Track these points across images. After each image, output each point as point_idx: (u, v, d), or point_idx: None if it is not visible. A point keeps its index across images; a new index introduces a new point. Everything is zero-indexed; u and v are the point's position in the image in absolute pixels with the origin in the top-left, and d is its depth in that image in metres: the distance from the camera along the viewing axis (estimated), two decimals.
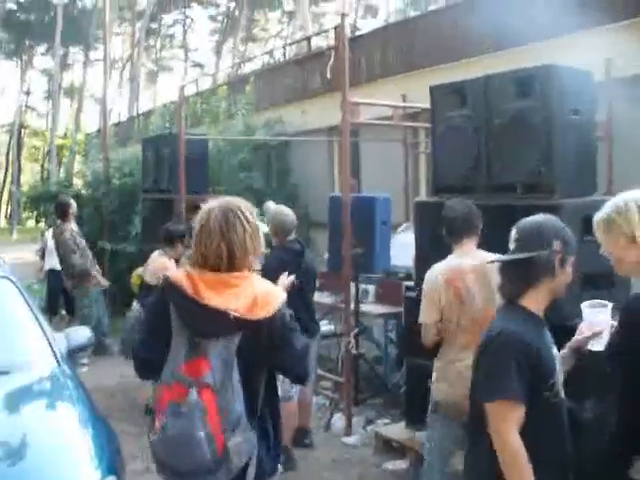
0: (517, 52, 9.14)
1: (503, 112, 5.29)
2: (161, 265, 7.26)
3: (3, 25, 50.85)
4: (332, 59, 6.68)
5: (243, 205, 3.27)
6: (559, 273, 2.97)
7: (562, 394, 2.94)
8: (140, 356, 3.32)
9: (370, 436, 6.80)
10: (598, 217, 2.92)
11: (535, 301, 2.98)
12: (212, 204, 3.26)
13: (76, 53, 55.86)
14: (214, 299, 3.08)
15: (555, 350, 3.01)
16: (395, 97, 10.61)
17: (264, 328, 3.07)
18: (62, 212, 10.27)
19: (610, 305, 3.13)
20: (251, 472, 3.11)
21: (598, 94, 5.60)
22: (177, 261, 7.66)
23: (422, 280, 4.81)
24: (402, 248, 7.61)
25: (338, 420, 7.16)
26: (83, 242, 10.21)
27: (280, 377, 5.06)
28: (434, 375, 4.74)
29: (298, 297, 5.33)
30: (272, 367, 3.26)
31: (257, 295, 3.11)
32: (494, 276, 4.02)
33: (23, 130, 55.60)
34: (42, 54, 56.05)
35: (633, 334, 2.75)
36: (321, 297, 8.32)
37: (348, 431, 6.92)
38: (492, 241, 4.22)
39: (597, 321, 3.09)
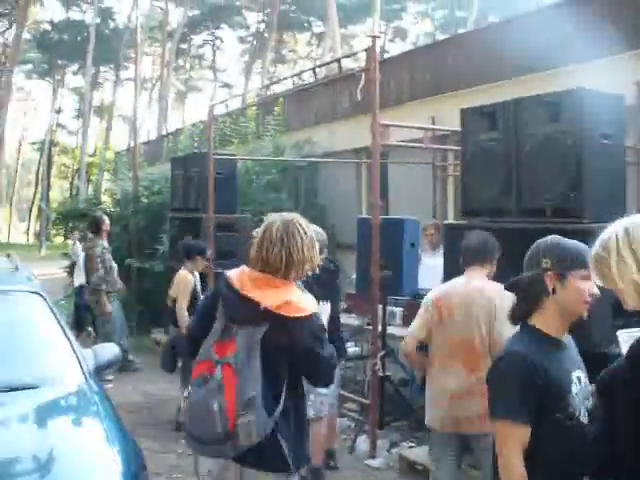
0: (547, 76, 9.14)
1: (533, 136, 5.29)
2: (182, 278, 7.51)
3: (37, 46, 51.69)
4: (362, 81, 6.71)
5: (301, 219, 3.62)
6: (559, 290, 2.92)
7: (583, 418, 2.87)
8: (189, 336, 3.83)
9: (395, 459, 6.76)
10: (590, 257, 2.74)
11: (545, 321, 2.95)
12: (273, 217, 3.63)
13: (107, 72, 56.61)
14: (253, 292, 3.43)
15: (578, 373, 2.94)
16: (424, 120, 10.65)
17: (290, 328, 3.37)
18: (96, 227, 10.51)
19: None
20: (283, 447, 3.38)
21: (628, 118, 5.58)
22: (202, 275, 7.84)
23: None
24: (430, 271, 7.60)
25: (363, 442, 7.12)
26: (111, 259, 10.35)
27: (312, 397, 5.31)
28: None
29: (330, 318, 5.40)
30: (299, 373, 3.52)
31: (292, 299, 3.41)
32: (477, 303, 4.53)
33: (53, 148, 56.26)
34: (74, 73, 56.83)
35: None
36: (348, 319, 8.31)
37: (373, 453, 6.88)
38: (520, 265, 4.21)
39: None
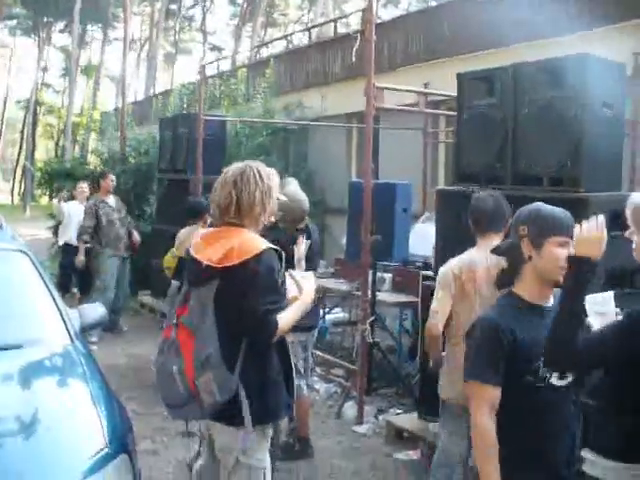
0: (544, 44, 9.02)
1: (532, 102, 5.20)
2: (189, 236, 7.44)
3: (22, 1, 50.79)
4: (358, 42, 6.59)
5: (262, 167, 3.64)
6: (535, 256, 2.97)
7: (556, 382, 2.94)
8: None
9: (381, 425, 6.74)
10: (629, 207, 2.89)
11: (524, 287, 3.03)
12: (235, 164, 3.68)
13: (94, 31, 55.87)
14: (201, 252, 3.49)
15: None
16: (417, 85, 10.51)
17: (236, 276, 3.33)
18: (97, 183, 10.64)
19: (611, 298, 3.05)
20: (245, 409, 3.36)
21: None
22: None
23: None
24: (421, 237, 7.54)
25: (349, 408, 7.09)
26: (112, 215, 10.22)
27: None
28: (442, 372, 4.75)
29: None
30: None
31: (234, 246, 3.38)
32: None
33: (39, 107, 55.58)
34: (60, 31, 56.02)
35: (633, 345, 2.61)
36: (336, 284, 8.27)
37: (359, 420, 6.86)
38: None
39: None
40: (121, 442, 3.72)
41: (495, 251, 3.21)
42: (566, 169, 4.98)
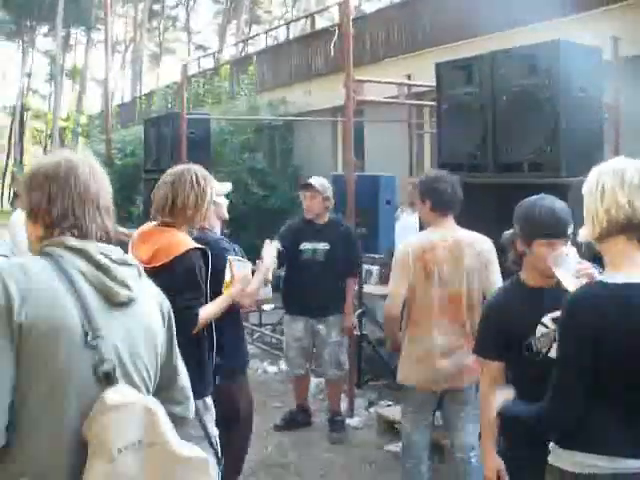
0: (523, 31, 9.04)
1: (510, 89, 5.18)
2: None
3: (3, 5, 50.42)
4: (336, 36, 6.59)
5: (201, 172, 3.86)
6: (527, 252, 3.23)
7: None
8: None
9: (372, 418, 6.76)
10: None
11: (526, 274, 3.30)
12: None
13: (78, 34, 55.61)
14: (135, 250, 3.67)
15: (550, 317, 3.13)
16: (399, 78, 10.51)
17: (161, 275, 3.34)
18: None
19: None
20: None
21: (606, 73, 5.50)
22: None
23: None
24: (406, 228, 7.54)
25: (341, 402, 7.09)
26: None
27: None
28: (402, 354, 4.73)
29: None
30: None
31: (161, 247, 3.61)
32: (466, 255, 4.42)
33: (25, 113, 55.36)
34: (44, 35, 55.73)
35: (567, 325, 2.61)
36: None
37: (350, 413, 6.88)
38: (498, 220, 4.18)
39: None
40: None
41: (501, 239, 3.45)
42: (545, 155, 4.98)
